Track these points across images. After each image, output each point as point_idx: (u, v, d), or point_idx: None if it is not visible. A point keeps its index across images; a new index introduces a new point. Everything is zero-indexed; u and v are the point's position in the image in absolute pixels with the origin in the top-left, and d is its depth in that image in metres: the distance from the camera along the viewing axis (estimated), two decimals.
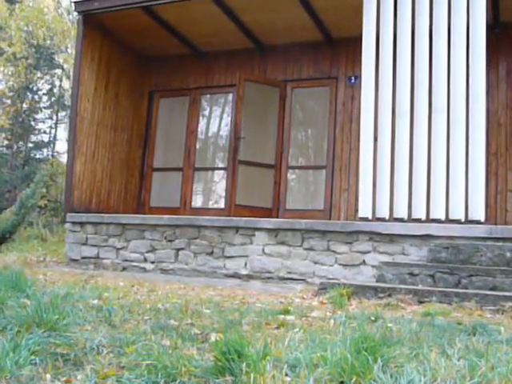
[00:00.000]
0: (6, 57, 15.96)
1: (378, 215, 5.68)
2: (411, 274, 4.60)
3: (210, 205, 8.66)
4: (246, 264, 6.08)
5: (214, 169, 8.87)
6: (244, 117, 7.82)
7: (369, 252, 5.52)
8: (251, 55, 8.30)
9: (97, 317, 2.78)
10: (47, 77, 19.12)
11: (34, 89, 18.46)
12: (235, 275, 6.08)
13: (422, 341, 2.45)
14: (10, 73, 17.73)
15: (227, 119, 8.61)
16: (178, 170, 8.65)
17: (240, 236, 6.16)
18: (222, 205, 8.31)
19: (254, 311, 3.29)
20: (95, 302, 3.29)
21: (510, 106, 6.86)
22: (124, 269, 6.67)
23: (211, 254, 6.28)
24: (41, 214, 14.11)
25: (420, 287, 4.34)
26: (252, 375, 1.69)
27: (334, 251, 5.68)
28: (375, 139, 5.85)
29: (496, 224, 6.33)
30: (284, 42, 7.94)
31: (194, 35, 8.11)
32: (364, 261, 5.53)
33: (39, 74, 18.40)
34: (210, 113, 9.01)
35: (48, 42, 17.08)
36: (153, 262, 6.57)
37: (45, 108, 19.35)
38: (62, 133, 20.25)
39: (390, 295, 4.13)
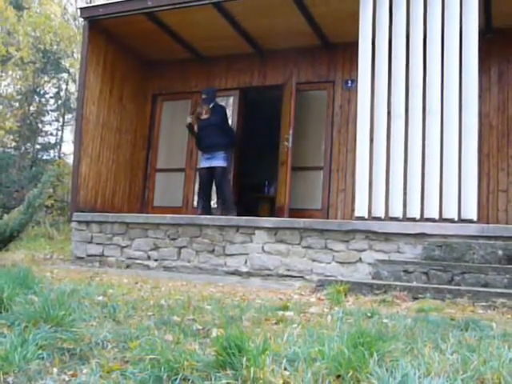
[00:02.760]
0: (14, 61, 15.96)
1: (374, 214, 5.68)
2: (406, 272, 4.60)
3: (212, 204, 8.65)
4: (246, 262, 6.08)
5: None
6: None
7: (365, 250, 5.52)
8: (251, 59, 8.30)
9: (102, 313, 2.78)
10: (54, 80, 19.08)
11: (41, 92, 18.43)
12: (236, 272, 6.08)
13: (417, 336, 2.45)
14: (18, 77, 17.73)
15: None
16: (181, 170, 8.65)
17: (240, 234, 6.16)
18: None
19: (253, 307, 3.29)
20: (100, 298, 3.29)
21: (502, 109, 6.86)
22: (128, 266, 6.67)
23: (212, 251, 6.28)
24: (48, 214, 14.12)
25: (414, 284, 4.34)
26: (252, 369, 1.69)
27: (331, 249, 5.68)
28: (371, 141, 5.85)
29: (488, 223, 6.33)
30: (283, 47, 7.94)
31: (196, 40, 8.11)
32: (360, 258, 5.53)
33: (46, 78, 18.38)
34: None
35: (55, 47, 17.07)
36: (156, 260, 6.57)
37: (51, 111, 19.31)
38: (69, 135, 20.22)
39: (385, 292, 4.13)
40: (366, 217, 5.71)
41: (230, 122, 8.45)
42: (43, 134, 18.91)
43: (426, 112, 5.63)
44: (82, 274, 5.09)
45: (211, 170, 7.31)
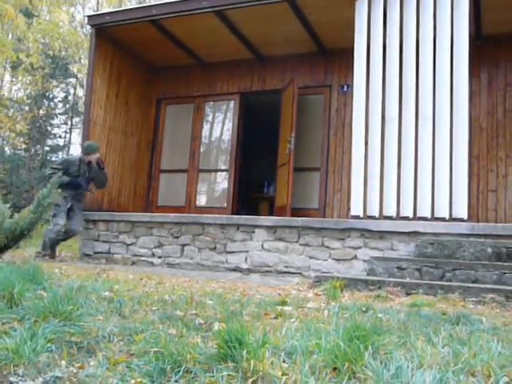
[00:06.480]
0: (24, 67, 15.93)
1: (369, 213, 5.68)
2: (399, 268, 4.60)
3: (213, 204, 8.66)
4: (246, 259, 6.08)
5: (216, 170, 8.87)
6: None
7: (360, 247, 5.52)
8: (251, 65, 8.31)
9: (108, 308, 2.77)
10: (62, 85, 19.08)
11: (50, 96, 18.43)
12: (236, 269, 6.08)
13: (410, 330, 2.45)
14: (27, 81, 17.73)
15: (229, 125, 8.61)
16: (184, 171, 8.65)
17: (241, 233, 6.16)
18: (224, 204, 8.31)
19: (253, 302, 3.28)
20: (107, 293, 3.28)
21: (491, 112, 6.86)
22: (133, 263, 6.67)
23: (214, 249, 6.28)
24: None
25: (407, 280, 4.34)
26: (252, 362, 1.68)
27: (327, 247, 5.68)
28: (366, 143, 5.85)
29: (478, 222, 6.33)
30: (282, 53, 7.95)
31: (199, 47, 8.11)
32: (356, 256, 5.53)
33: (55, 83, 18.37)
34: (213, 119, 9.02)
35: (63, 53, 17.06)
36: (160, 257, 6.57)
37: (60, 114, 19.30)
38: (76, 137, 20.20)
39: (379, 287, 4.13)
40: (362, 216, 5.72)
41: (230, 124, 8.49)
42: (52, 136, 18.90)
43: (418, 115, 5.64)
44: (90, 271, 5.08)
45: None
